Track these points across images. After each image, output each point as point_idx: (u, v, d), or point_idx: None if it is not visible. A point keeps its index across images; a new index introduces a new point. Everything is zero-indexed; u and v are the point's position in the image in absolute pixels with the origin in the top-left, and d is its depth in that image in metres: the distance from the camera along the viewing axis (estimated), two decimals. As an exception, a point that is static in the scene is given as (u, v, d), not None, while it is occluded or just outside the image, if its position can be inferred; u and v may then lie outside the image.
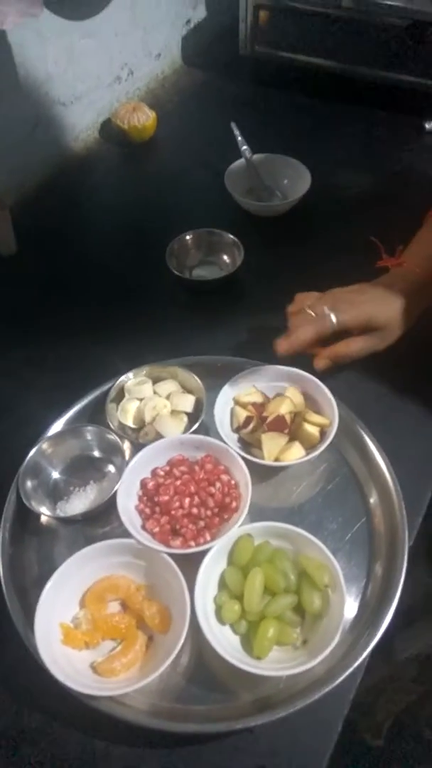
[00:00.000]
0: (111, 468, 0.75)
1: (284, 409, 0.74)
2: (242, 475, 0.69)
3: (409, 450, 0.76)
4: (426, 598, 1.02)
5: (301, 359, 0.80)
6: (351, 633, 0.64)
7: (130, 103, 1.20)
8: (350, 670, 0.60)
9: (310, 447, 0.73)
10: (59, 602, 0.63)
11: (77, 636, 0.61)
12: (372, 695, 1.09)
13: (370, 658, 0.62)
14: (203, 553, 0.64)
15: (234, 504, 0.68)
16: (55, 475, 0.75)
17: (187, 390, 0.80)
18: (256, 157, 1.08)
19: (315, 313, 0.74)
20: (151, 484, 0.70)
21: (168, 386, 0.80)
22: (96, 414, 0.79)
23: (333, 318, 0.70)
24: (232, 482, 0.70)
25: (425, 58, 1.20)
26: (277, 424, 0.73)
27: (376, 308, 0.73)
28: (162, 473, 0.71)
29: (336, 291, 0.76)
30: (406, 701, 1.10)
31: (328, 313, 0.71)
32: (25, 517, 0.71)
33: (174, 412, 0.78)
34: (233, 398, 0.78)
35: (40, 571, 0.68)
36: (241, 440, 0.76)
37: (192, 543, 0.65)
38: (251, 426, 0.75)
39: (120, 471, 0.72)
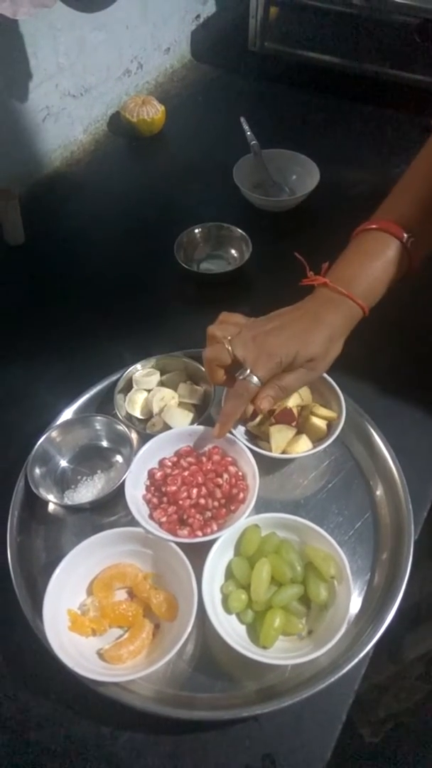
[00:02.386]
0: (119, 458, 0.76)
1: (292, 402, 0.74)
2: (249, 467, 0.70)
3: (415, 444, 0.76)
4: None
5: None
6: (356, 625, 0.64)
7: (140, 97, 1.20)
8: (355, 661, 0.60)
9: (317, 440, 0.74)
10: (67, 589, 0.63)
11: (84, 623, 0.62)
12: (375, 693, 1.10)
13: (375, 656, 0.63)
14: (210, 543, 0.64)
15: (241, 495, 0.68)
16: (63, 463, 0.76)
17: (194, 382, 0.81)
18: (264, 152, 1.08)
19: (235, 353, 0.66)
20: (158, 475, 0.71)
21: (176, 378, 0.80)
22: (104, 404, 0.79)
23: (255, 379, 0.64)
24: (240, 473, 0.71)
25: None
26: (285, 417, 0.73)
27: (299, 346, 0.65)
28: (170, 464, 0.72)
29: (256, 327, 0.67)
30: (410, 700, 1.10)
31: (249, 375, 0.64)
32: (33, 505, 0.72)
33: (182, 404, 0.78)
34: (241, 391, 0.79)
35: (48, 559, 0.69)
36: (248, 433, 0.76)
37: (199, 533, 0.66)
38: (258, 419, 0.75)
39: (128, 461, 0.72)
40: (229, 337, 0.67)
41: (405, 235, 0.66)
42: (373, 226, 0.68)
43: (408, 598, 0.64)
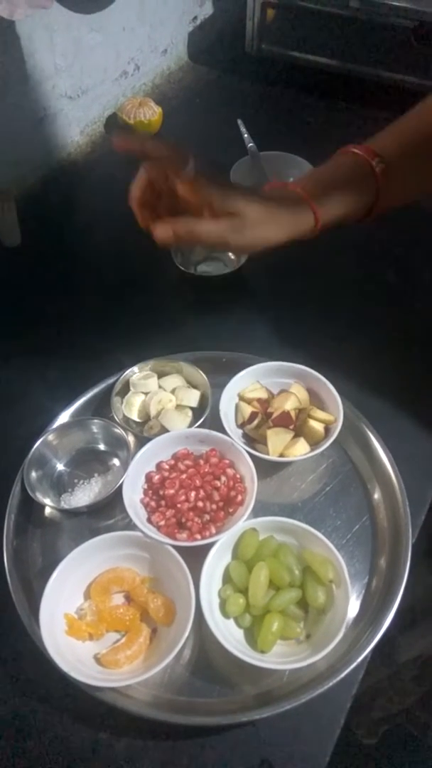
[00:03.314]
0: (116, 461, 0.75)
1: (289, 405, 0.74)
2: (247, 469, 0.69)
3: (413, 448, 0.76)
4: (429, 599, 1.03)
5: (306, 355, 0.80)
6: (353, 629, 0.64)
7: (137, 98, 1.20)
8: (353, 665, 0.60)
9: (314, 443, 0.73)
10: (64, 593, 0.63)
11: (81, 627, 0.61)
12: (370, 695, 1.10)
13: (370, 657, 0.62)
14: (208, 547, 0.64)
15: (239, 498, 0.68)
16: (60, 467, 0.75)
17: (192, 385, 0.80)
18: (262, 154, 1.08)
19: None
20: (156, 478, 0.71)
21: (173, 381, 0.80)
22: (102, 407, 0.79)
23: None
24: (238, 476, 0.70)
25: (431, 60, 1.21)
26: (283, 420, 0.73)
27: (240, 195, 0.65)
28: (167, 467, 0.72)
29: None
30: (404, 702, 1.10)
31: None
32: (29, 509, 0.71)
33: (179, 407, 0.78)
34: (238, 394, 0.78)
35: (45, 563, 0.68)
36: (245, 436, 0.76)
37: (198, 536, 0.66)
38: (256, 422, 0.75)
39: (125, 464, 0.72)
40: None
41: (375, 159, 0.69)
42: (351, 148, 0.71)
43: (404, 602, 0.64)
